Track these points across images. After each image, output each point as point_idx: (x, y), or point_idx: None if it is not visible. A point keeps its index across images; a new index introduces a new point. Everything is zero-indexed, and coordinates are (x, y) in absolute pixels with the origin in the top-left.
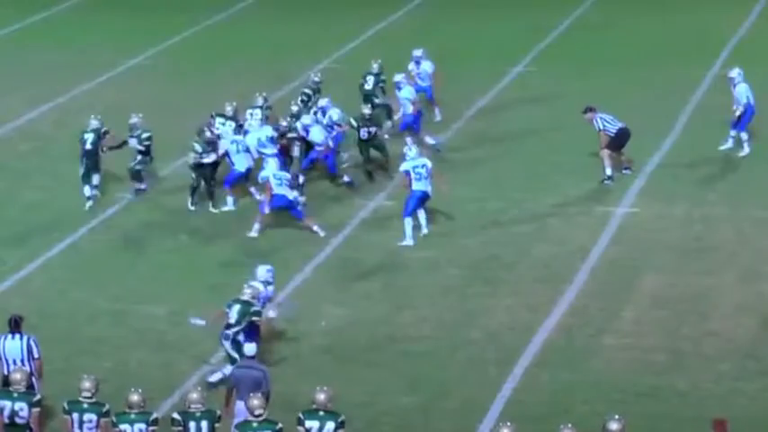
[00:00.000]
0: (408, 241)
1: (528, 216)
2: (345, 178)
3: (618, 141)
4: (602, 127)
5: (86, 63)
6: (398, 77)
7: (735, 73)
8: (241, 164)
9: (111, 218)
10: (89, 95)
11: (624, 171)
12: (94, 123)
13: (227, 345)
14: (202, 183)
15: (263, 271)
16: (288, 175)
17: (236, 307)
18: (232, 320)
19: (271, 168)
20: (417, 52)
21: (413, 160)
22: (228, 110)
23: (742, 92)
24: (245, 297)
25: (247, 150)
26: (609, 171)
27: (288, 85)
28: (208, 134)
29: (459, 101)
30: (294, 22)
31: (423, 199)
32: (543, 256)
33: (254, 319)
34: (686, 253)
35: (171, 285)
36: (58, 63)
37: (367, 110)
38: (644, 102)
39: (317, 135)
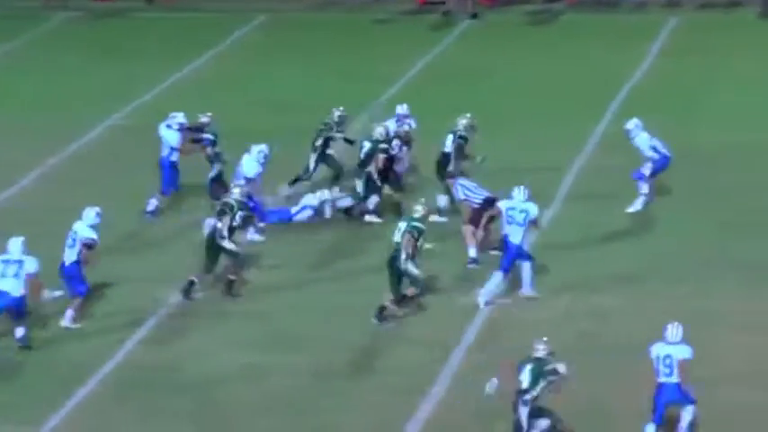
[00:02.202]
0: None
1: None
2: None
3: (481, 214)
4: (462, 196)
5: None
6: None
7: (631, 125)
8: None
9: None
10: None
11: (492, 251)
12: None
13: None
14: None
15: None
16: None
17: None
18: (525, 385)
19: None
20: (401, 109)
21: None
22: None
23: (644, 143)
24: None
25: None
26: (473, 252)
27: None
28: None
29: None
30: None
31: None
32: (392, 363)
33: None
34: (572, 352)
35: None
36: None
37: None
38: (518, 163)
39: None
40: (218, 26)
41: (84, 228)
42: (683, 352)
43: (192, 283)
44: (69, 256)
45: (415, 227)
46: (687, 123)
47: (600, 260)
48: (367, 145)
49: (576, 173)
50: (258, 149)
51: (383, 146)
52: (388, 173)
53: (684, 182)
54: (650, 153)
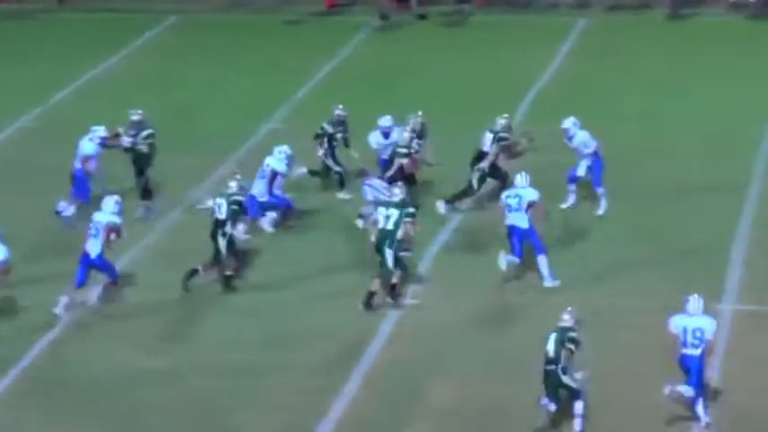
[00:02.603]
0: None
1: (293, 308)
2: None
3: None
4: (371, 198)
5: None
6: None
7: (569, 123)
8: None
9: None
10: None
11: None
12: None
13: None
14: None
15: None
16: None
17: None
18: (551, 354)
19: None
20: (385, 122)
21: None
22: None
23: (584, 139)
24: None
25: None
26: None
27: None
28: None
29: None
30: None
31: None
32: (308, 360)
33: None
34: (482, 354)
35: None
36: None
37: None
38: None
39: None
40: (130, 27)
41: (105, 216)
42: (712, 325)
43: (194, 271)
44: (93, 247)
45: (409, 213)
46: (595, 125)
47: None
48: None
49: None
50: (279, 150)
51: (403, 150)
52: (411, 177)
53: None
54: (593, 147)
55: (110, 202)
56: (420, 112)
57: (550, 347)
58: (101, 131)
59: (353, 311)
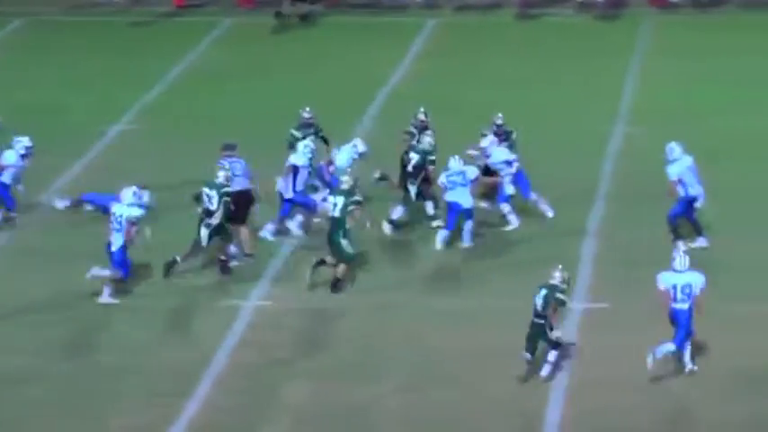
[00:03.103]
0: None
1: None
2: None
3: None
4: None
5: None
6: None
7: (486, 141)
8: None
9: None
10: None
11: (245, 259)
12: None
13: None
14: None
15: None
16: None
17: (543, 292)
18: (539, 308)
19: None
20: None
21: None
22: None
23: (502, 157)
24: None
25: None
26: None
27: None
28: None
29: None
30: None
31: None
32: (156, 365)
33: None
34: (338, 355)
35: None
36: None
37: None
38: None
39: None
40: None
41: (126, 208)
42: (700, 281)
43: (173, 262)
44: (117, 240)
45: (354, 200)
46: (446, 124)
47: (389, 261)
48: (415, 156)
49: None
50: (304, 144)
51: (432, 157)
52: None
53: None
54: (509, 170)
55: (128, 193)
56: (422, 109)
57: (539, 302)
58: (25, 141)
59: (202, 313)
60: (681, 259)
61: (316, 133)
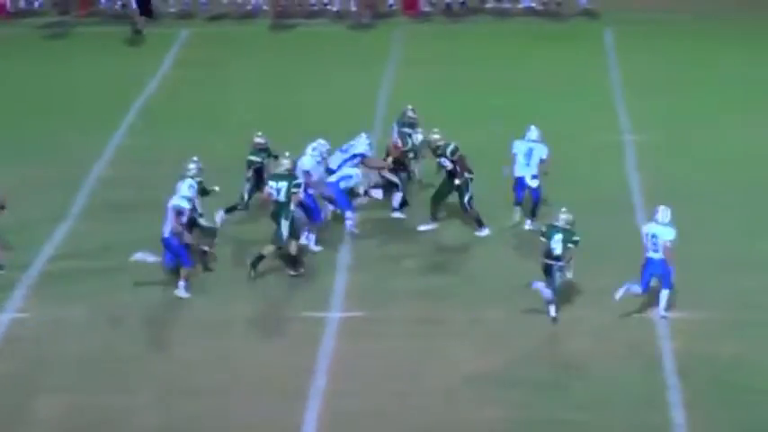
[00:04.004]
0: None
1: None
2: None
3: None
4: None
5: None
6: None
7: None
8: None
9: None
10: None
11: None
12: None
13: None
14: None
15: None
16: None
17: (558, 236)
18: (557, 252)
19: None
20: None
21: None
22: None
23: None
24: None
25: None
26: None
27: None
28: None
29: None
30: None
31: None
32: None
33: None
34: (92, 366)
35: None
36: None
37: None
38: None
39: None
40: None
41: (176, 199)
42: (668, 234)
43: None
44: (165, 227)
45: (296, 183)
46: (204, 136)
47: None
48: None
49: (91, 185)
50: (313, 146)
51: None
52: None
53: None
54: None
55: (184, 186)
56: (410, 106)
57: (557, 245)
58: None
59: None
60: (662, 212)
61: (269, 155)
